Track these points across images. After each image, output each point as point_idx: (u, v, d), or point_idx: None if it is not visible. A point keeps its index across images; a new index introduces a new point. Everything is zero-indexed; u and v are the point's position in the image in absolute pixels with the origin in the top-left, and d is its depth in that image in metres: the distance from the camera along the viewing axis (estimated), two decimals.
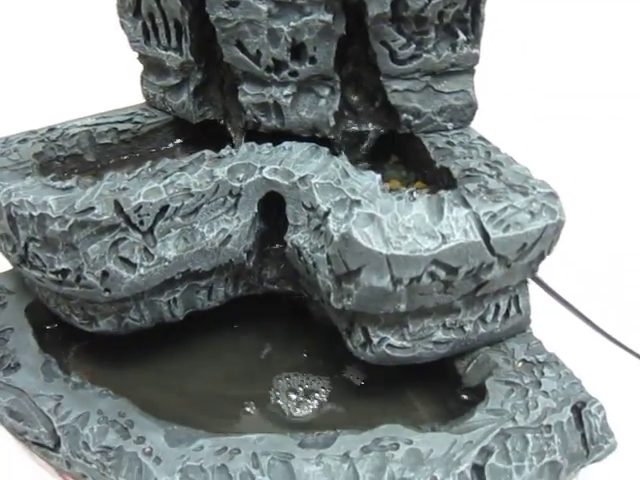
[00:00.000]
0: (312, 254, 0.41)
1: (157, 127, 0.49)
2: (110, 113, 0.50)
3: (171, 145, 0.51)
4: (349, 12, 0.40)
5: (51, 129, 0.49)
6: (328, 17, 0.39)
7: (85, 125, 0.48)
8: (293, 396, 0.50)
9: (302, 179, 0.41)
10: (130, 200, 0.40)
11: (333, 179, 0.40)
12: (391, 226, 0.37)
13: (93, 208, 0.40)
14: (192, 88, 0.46)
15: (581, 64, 0.73)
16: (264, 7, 0.39)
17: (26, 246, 0.42)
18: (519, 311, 0.45)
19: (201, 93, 0.47)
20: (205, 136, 0.51)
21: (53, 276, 0.43)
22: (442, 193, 0.39)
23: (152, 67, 0.48)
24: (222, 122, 0.48)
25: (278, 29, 0.40)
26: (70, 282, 0.43)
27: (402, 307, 0.40)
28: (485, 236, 0.37)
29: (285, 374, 0.51)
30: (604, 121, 0.71)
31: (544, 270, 0.44)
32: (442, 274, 0.38)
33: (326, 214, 0.40)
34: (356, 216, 0.37)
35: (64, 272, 0.42)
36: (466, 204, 0.38)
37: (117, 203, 0.40)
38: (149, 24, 0.44)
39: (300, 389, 0.50)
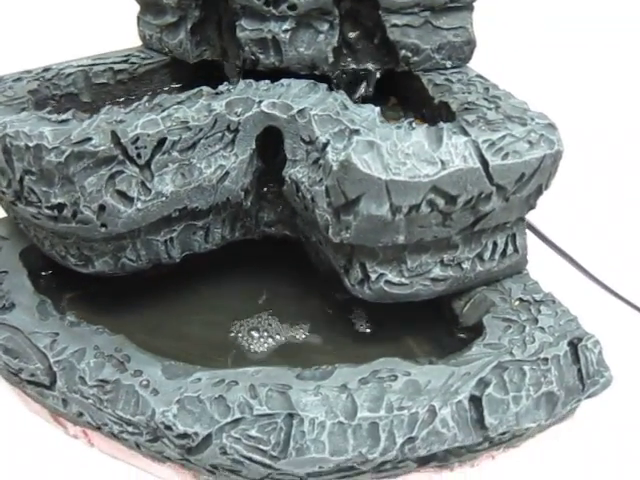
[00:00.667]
0: (310, 188, 0.41)
1: (154, 68, 0.49)
2: (106, 54, 0.50)
3: (167, 89, 0.51)
4: None
5: (46, 69, 0.48)
6: None
7: (81, 65, 0.48)
8: (289, 336, 0.50)
9: (301, 112, 0.41)
10: (127, 131, 0.40)
11: (332, 111, 0.40)
12: (390, 153, 0.37)
13: (90, 139, 0.40)
14: (189, 26, 0.45)
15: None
16: None
17: (21, 180, 0.42)
18: (516, 250, 0.45)
19: (198, 32, 0.46)
20: (201, 80, 0.50)
21: (49, 211, 0.43)
22: (441, 123, 0.39)
23: (149, 6, 0.47)
24: (218, 63, 0.48)
25: None
26: (66, 217, 0.42)
27: (401, 239, 0.40)
28: (484, 163, 0.37)
29: (282, 317, 0.51)
30: (602, 57, 0.69)
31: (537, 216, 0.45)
32: (441, 203, 0.38)
33: (325, 145, 0.40)
34: (355, 143, 0.37)
35: (60, 207, 0.42)
36: (465, 132, 0.38)
37: (114, 134, 0.40)
38: None
39: (298, 331, 0.50)
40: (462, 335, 0.46)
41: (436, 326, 0.48)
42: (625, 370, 0.46)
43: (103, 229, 0.43)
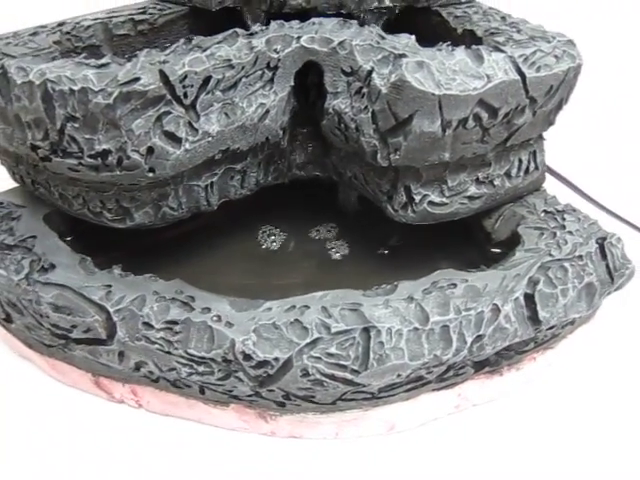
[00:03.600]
0: (355, 117, 0.43)
1: (172, 19, 0.49)
2: (119, 8, 0.49)
3: (182, 40, 0.50)
4: None
5: (61, 23, 0.47)
6: None
7: (98, 18, 0.47)
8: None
9: (341, 43, 0.42)
10: (175, 69, 0.40)
11: (372, 41, 0.42)
12: (440, 70, 0.39)
13: (138, 79, 0.39)
14: None
15: None
16: None
17: (62, 128, 0.41)
18: (537, 167, 0.49)
19: None
20: (214, 31, 0.51)
21: (92, 160, 0.42)
22: (475, 46, 0.42)
23: None
24: (236, 12, 0.48)
25: None
26: (111, 165, 0.42)
27: (446, 156, 0.42)
28: (522, 75, 0.40)
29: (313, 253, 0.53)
30: None
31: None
32: (485, 116, 0.41)
33: (369, 73, 0.42)
34: (406, 64, 0.39)
35: (104, 154, 0.41)
36: (500, 50, 0.41)
37: (162, 73, 0.40)
38: None
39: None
40: (496, 250, 0.49)
41: (466, 248, 0.51)
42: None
43: (151, 174, 0.42)
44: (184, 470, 0.43)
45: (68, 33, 0.46)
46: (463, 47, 0.41)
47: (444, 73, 0.39)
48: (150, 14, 0.48)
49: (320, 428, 0.45)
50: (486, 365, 0.45)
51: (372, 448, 0.44)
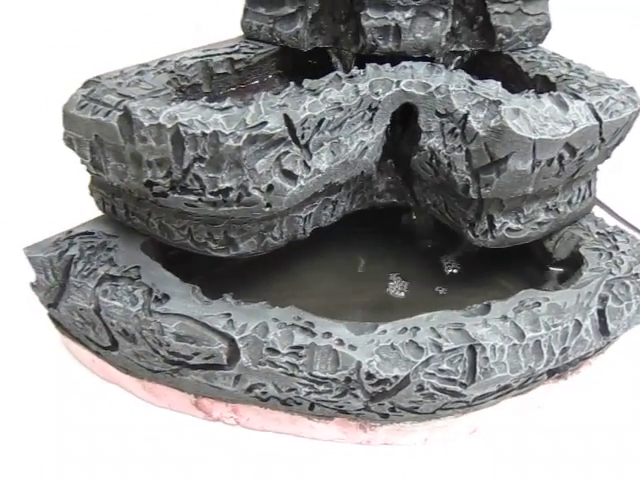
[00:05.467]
0: (448, 154, 0.48)
1: (264, 58, 0.52)
2: (211, 46, 0.51)
3: (270, 76, 0.53)
4: None
5: (161, 62, 0.49)
6: None
7: (195, 57, 0.49)
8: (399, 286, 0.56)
9: (438, 88, 0.47)
10: (298, 114, 0.43)
11: (465, 87, 0.47)
12: (534, 117, 0.44)
13: (265, 122, 0.42)
14: (310, 16, 0.49)
15: None
16: None
17: (188, 168, 0.43)
18: (590, 194, 0.55)
19: (313, 21, 0.50)
20: (303, 68, 0.54)
21: (212, 197, 0.44)
22: (554, 92, 0.47)
23: None
24: (320, 51, 0.52)
25: None
26: (230, 201, 0.44)
27: (530, 190, 0.48)
28: (599, 121, 0.46)
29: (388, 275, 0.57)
30: None
31: None
32: (566, 156, 0.46)
33: (465, 116, 0.46)
34: (504, 111, 0.44)
35: (226, 191, 0.44)
36: (579, 98, 0.47)
37: (287, 117, 0.43)
38: None
39: (403, 283, 0.57)
40: (555, 269, 0.55)
41: (525, 267, 0.57)
42: None
43: (267, 209, 0.45)
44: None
45: (172, 72, 0.48)
46: (547, 94, 0.47)
47: (537, 119, 0.44)
48: (245, 53, 0.50)
49: (413, 435, 0.50)
50: (556, 372, 0.51)
51: (453, 452, 0.50)
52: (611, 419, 0.52)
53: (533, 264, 0.57)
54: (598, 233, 0.55)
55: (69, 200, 0.56)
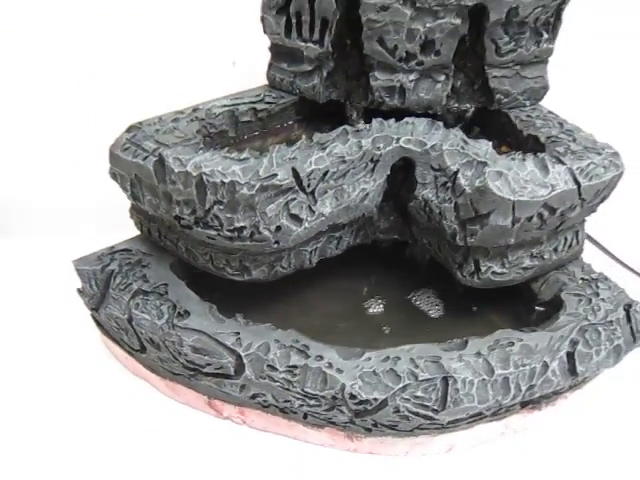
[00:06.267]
0: (440, 205, 0.53)
1: (285, 107, 0.58)
2: (239, 95, 0.58)
3: (290, 122, 0.60)
4: (472, 17, 0.51)
5: (195, 109, 0.56)
6: (457, 21, 0.50)
7: (224, 105, 0.57)
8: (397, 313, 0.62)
9: (433, 146, 0.52)
10: (305, 167, 0.50)
11: (457, 146, 0.52)
12: (515, 180, 0.50)
13: (275, 175, 0.49)
14: (325, 74, 0.55)
15: None
16: (408, 12, 0.50)
17: (209, 209, 0.51)
18: (578, 242, 0.59)
19: (329, 78, 0.56)
20: (320, 115, 0.60)
21: (229, 233, 0.52)
22: (540, 154, 0.52)
23: (283, 56, 0.57)
24: (343, 102, 0.58)
25: (415, 29, 0.51)
26: (244, 237, 0.52)
27: (511, 241, 0.53)
28: (578, 185, 0.51)
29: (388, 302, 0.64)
30: None
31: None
32: (546, 214, 0.51)
33: (455, 173, 0.52)
34: (488, 173, 0.50)
35: (241, 229, 0.51)
36: (561, 162, 0.51)
37: (294, 170, 0.50)
38: (294, 20, 0.53)
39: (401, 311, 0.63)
40: (539, 308, 0.60)
41: (514, 305, 0.62)
42: None
43: (275, 245, 0.52)
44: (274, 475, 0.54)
45: (203, 120, 0.55)
46: (532, 156, 0.52)
47: (518, 182, 0.50)
48: (267, 103, 0.57)
49: (395, 448, 0.56)
50: (530, 404, 0.56)
51: (433, 466, 0.56)
52: (578, 444, 0.57)
53: (522, 303, 0.62)
54: (582, 279, 0.60)
55: (116, 218, 0.64)
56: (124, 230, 0.64)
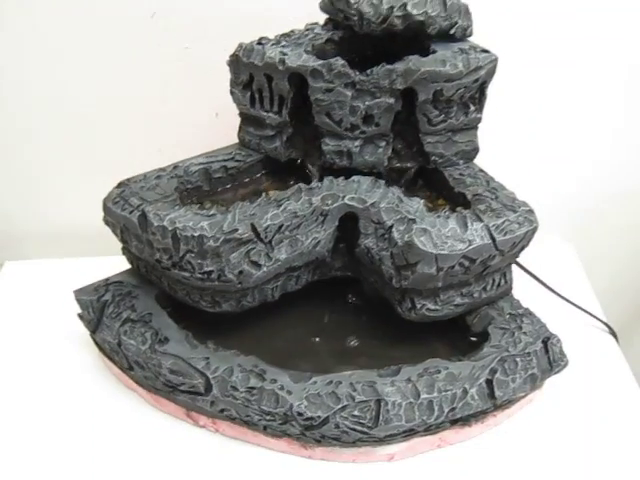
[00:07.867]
0: (379, 253, 0.63)
1: (253, 163, 0.68)
2: (214, 153, 0.68)
3: (258, 175, 0.70)
4: (404, 96, 0.60)
5: (175, 166, 0.66)
6: (391, 100, 0.59)
7: (200, 163, 0.67)
8: (354, 339, 0.72)
9: (372, 204, 0.62)
10: (262, 223, 0.60)
11: (393, 204, 0.61)
12: (437, 235, 0.59)
13: (237, 229, 0.59)
14: (284, 138, 0.65)
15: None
16: (349, 93, 0.59)
17: (183, 256, 0.61)
18: (506, 282, 0.68)
19: (289, 141, 0.66)
20: (284, 168, 0.70)
21: (200, 275, 0.62)
22: (464, 212, 0.61)
23: (251, 121, 0.66)
24: (301, 160, 0.68)
25: (357, 106, 0.60)
26: (212, 279, 0.62)
27: (439, 284, 0.62)
28: (493, 239, 0.60)
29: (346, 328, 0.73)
30: None
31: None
32: (466, 263, 0.60)
33: (390, 227, 0.61)
34: (415, 230, 0.59)
35: (209, 273, 0.61)
36: (480, 219, 0.60)
37: (253, 226, 0.59)
38: (257, 95, 0.63)
39: (357, 337, 0.73)
40: (473, 338, 0.69)
41: (453, 334, 0.71)
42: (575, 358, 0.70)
43: (239, 285, 0.62)
44: (243, 476, 0.65)
45: (181, 177, 0.65)
46: (455, 215, 0.61)
47: (440, 238, 0.59)
48: (237, 161, 0.67)
49: (342, 456, 0.66)
50: (459, 421, 0.65)
51: (377, 471, 0.66)
52: (508, 457, 0.66)
53: (459, 333, 0.71)
54: (509, 314, 0.68)
55: (112, 253, 0.75)
56: (119, 263, 0.75)
